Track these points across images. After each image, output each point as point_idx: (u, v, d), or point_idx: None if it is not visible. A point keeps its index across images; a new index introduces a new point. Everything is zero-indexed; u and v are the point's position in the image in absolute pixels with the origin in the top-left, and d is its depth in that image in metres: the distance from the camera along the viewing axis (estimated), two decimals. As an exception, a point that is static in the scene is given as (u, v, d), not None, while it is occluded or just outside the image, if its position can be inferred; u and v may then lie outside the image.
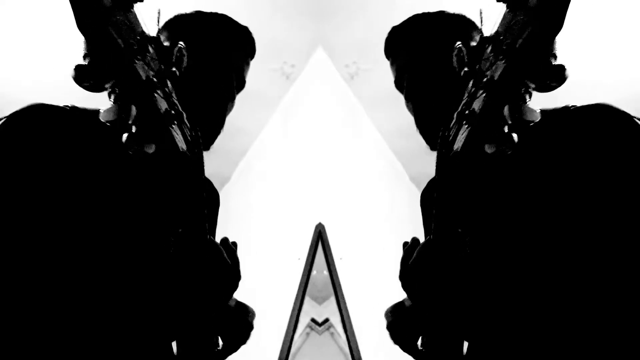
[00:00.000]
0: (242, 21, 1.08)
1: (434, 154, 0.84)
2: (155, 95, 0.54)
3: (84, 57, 0.48)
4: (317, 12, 2.78)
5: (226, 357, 0.91)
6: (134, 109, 0.50)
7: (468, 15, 1.03)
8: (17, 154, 0.76)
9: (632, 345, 0.73)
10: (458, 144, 0.68)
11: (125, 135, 0.54)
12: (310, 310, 2.75)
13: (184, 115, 0.64)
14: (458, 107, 0.67)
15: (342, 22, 2.84)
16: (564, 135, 0.80)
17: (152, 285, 0.78)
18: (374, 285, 2.66)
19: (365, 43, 2.83)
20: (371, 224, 3.03)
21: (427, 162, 0.98)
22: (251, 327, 0.93)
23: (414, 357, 0.91)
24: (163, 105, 0.57)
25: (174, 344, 0.86)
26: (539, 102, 0.57)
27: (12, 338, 0.73)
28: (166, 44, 0.58)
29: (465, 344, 0.87)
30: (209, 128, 0.97)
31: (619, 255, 0.75)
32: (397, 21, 1.08)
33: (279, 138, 3.33)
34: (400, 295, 0.91)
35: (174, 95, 0.60)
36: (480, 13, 0.57)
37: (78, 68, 0.48)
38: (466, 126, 0.64)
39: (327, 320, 2.75)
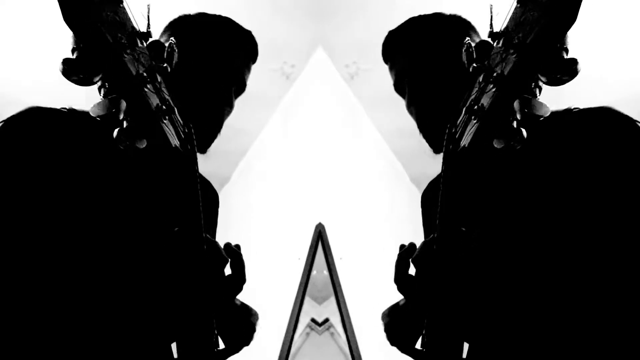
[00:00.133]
0: (242, 21, 1.07)
1: (434, 154, 0.84)
2: (146, 90, 0.54)
3: (72, 51, 0.47)
4: (317, 12, 2.77)
5: (227, 358, 0.91)
6: (124, 104, 0.50)
7: (467, 15, 1.03)
8: (15, 156, 0.76)
9: (633, 346, 0.73)
10: (466, 140, 0.67)
11: (116, 130, 0.53)
12: (310, 310, 2.75)
13: (176, 110, 0.64)
14: (464, 103, 0.67)
15: (342, 22, 2.83)
16: (566, 137, 0.80)
17: (150, 285, 0.77)
18: (374, 285, 2.66)
19: (365, 43, 2.83)
20: (371, 224, 3.03)
21: (427, 163, 0.97)
22: (254, 329, 0.92)
23: (413, 358, 0.90)
24: (154, 100, 0.57)
25: (173, 345, 0.86)
26: (542, 101, 0.57)
27: (12, 338, 0.72)
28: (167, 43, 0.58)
29: (466, 345, 0.86)
30: (206, 131, 0.97)
31: (620, 257, 0.74)
32: (397, 21, 1.07)
33: (279, 138, 3.33)
34: (399, 295, 0.90)
35: (165, 90, 0.60)
36: (491, 8, 0.57)
37: (66, 62, 0.47)
38: (475, 121, 0.63)
39: (327, 320, 2.75)
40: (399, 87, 1.04)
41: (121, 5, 0.47)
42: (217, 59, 0.99)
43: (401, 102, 1.06)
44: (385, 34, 1.08)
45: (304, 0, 2.73)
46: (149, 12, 0.53)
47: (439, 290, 0.78)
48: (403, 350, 0.90)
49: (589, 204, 0.76)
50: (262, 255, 2.80)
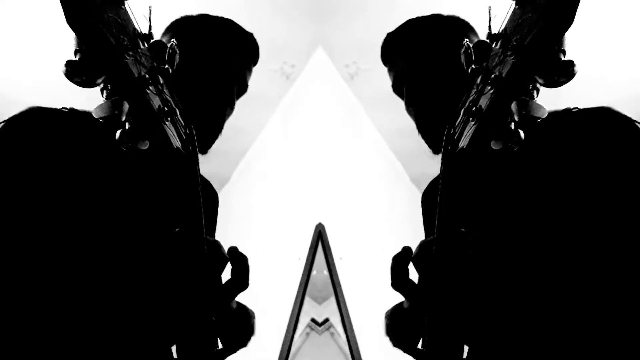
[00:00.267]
0: (242, 21, 1.08)
1: (434, 154, 0.84)
2: (148, 91, 0.54)
3: (75, 53, 0.48)
4: (317, 12, 2.78)
5: (225, 358, 0.91)
6: (126, 105, 0.50)
7: (467, 16, 1.03)
8: (16, 157, 0.76)
9: (633, 346, 0.73)
10: (464, 141, 0.68)
11: (118, 132, 0.53)
12: (310, 310, 2.75)
13: (178, 112, 0.64)
14: (463, 105, 0.67)
15: (342, 22, 2.83)
16: (565, 138, 0.80)
17: (150, 285, 0.77)
18: (374, 285, 2.66)
19: (365, 43, 2.83)
20: (371, 224, 3.03)
21: (427, 163, 0.97)
22: (252, 331, 0.92)
23: (415, 358, 0.90)
24: (156, 101, 0.57)
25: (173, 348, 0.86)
26: (541, 101, 0.57)
27: (12, 338, 0.72)
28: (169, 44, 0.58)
29: (466, 347, 0.87)
30: (206, 131, 0.97)
31: (620, 258, 0.74)
32: (397, 21, 1.08)
33: (279, 138, 3.33)
34: (399, 295, 0.91)
35: (166, 91, 0.60)
36: (489, 10, 0.57)
37: (69, 64, 0.48)
38: (473, 123, 0.63)
39: (327, 320, 2.75)
40: (398, 89, 1.05)
41: (123, 6, 0.48)
42: (218, 60, 0.99)
43: (401, 102, 1.06)
44: (385, 34, 1.09)
45: (304, 0, 2.73)
46: (150, 14, 0.53)
47: (438, 291, 0.78)
48: (406, 350, 0.90)
49: (588, 204, 0.76)
50: (262, 255, 2.80)
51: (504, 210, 0.83)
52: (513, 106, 0.53)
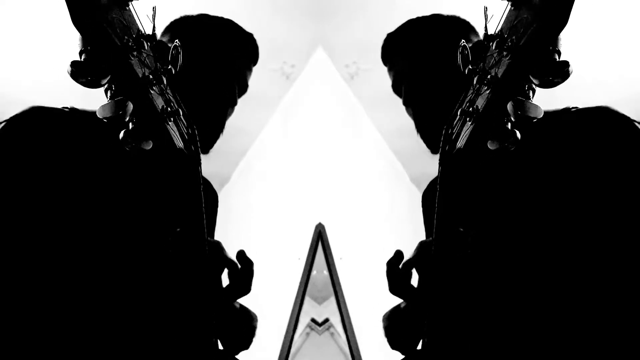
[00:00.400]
0: (242, 21, 1.08)
1: (435, 154, 0.84)
2: (152, 92, 0.54)
3: (80, 54, 0.48)
4: (317, 12, 2.78)
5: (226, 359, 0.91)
6: (130, 105, 0.51)
7: (466, 15, 1.03)
8: (17, 156, 0.76)
9: (633, 346, 0.73)
10: (461, 142, 0.68)
11: (122, 132, 0.54)
12: (310, 310, 2.75)
13: (181, 112, 0.64)
14: (460, 105, 0.68)
15: (342, 22, 2.83)
16: (564, 137, 0.80)
17: (151, 285, 0.78)
18: (374, 285, 2.65)
19: (365, 43, 2.83)
20: (371, 224, 3.03)
21: (427, 163, 0.98)
22: (253, 333, 0.93)
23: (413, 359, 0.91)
24: (159, 102, 0.57)
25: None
26: (540, 101, 0.57)
27: (12, 338, 0.73)
28: (169, 45, 0.58)
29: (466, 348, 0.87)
30: (208, 132, 0.97)
31: (619, 257, 0.75)
32: (397, 21, 1.08)
33: (279, 138, 3.33)
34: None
35: (169, 92, 0.60)
36: (485, 10, 0.57)
37: (74, 64, 0.48)
38: (470, 123, 0.64)
39: (327, 320, 2.75)
40: (397, 89, 1.05)
41: (127, 7, 0.48)
42: (219, 61, 1.00)
43: (401, 102, 1.07)
44: (385, 34, 1.09)
45: (304, 0, 2.73)
46: (154, 15, 0.54)
47: (437, 291, 0.78)
48: (404, 352, 0.90)
49: (587, 204, 0.76)
50: (262, 255, 2.80)
51: (503, 210, 0.83)
52: (509, 106, 0.54)
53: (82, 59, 0.48)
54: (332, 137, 3.04)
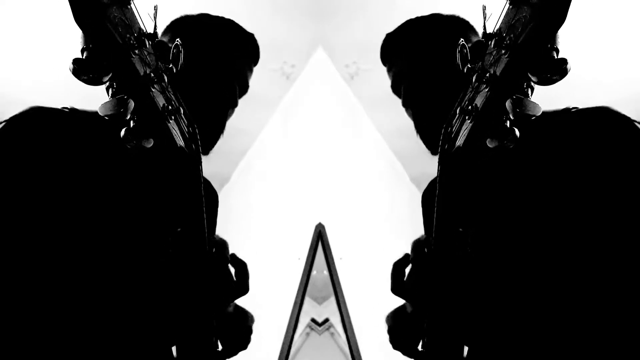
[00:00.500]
0: (243, 21, 1.08)
1: (434, 155, 0.84)
2: (153, 90, 0.55)
3: (82, 51, 0.48)
4: (317, 12, 2.78)
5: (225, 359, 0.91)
6: (131, 103, 0.51)
7: (466, 15, 1.03)
8: (17, 156, 0.76)
9: (633, 346, 0.73)
10: (460, 140, 0.68)
11: (123, 130, 0.54)
12: (310, 310, 2.75)
13: (182, 111, 0.65)
14: (459, 104, 0.68)
15: (342, 22, 2.84)
16: (564, 137, 0.80)
17: (151, 286, 0.78)
18: (374, 285, 2.66)
19: (365, 43, 2.83)
20: (371, 224, 3.04)
21: (427, 163, 0.98)
22: (250, 332, 0.93)
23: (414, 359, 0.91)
24: (160, 100, 0.57)
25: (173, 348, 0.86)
26: (540, 101, 0.57)
27: (12, 339, 0.73)
28: (170, 45, 0.58)
29: (466, 348, 0.87)
30: (209, 132, 0.97)
31: (619, 257, 0.75)
32: (397, 21, 1.08)
33: (279, 138, 3.33)
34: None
35: (170, 90, 0.60)
36: (484, 9, 0.58)
37: (76, 61, 0.48)
38: (469, 121, 0.64)
39: (327, 320, 2.75)
40: (397, 89, 1.05)
41: (129, 6, 0.48)
42: (219, 61, 1.00)
43: (401, 103, 1.07)
44: (385, 34, 1.09)
45: (304, 0, 2.73)
46: (156, 13, 0.54)
47: (437, 291, 0.78)
48: (406, 353, 0.90)
49: (586, 204, 0.76)
50: (262, 255, 2.80)
51: (502, 209, 0.83)
52: (508, 104, 0.54)
53: (83, 57, 0.48)
54: (332, 137, 3.04)
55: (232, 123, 1.07)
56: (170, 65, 0.57)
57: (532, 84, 0.53)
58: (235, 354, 0.91)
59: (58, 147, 0.78)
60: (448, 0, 1.26)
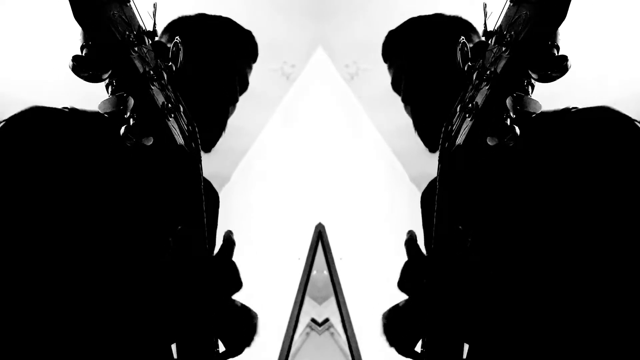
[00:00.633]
0: (242, 21, 1.08)
1: (434, 154, 0.84)
2: (152, 88, 0.55)
3: (82, 49, 0.48)
4: (317, 12, 2.78)
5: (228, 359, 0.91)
6: (131, 101, 0.51)
7: (466, 14, 1.04)
8: (16, 156, 0.76)
9: (633, 346, 0.73)
10: (461, 138, 0.68)
11: (122, 128, 0.54)
12: (310, 310, 2.75)
13: (181, 108, 0.65)
14: (459, 102, 0.68)
15: (342, 22, 2.84)
16: (564, 137, 0.80)
17: (151, 284, 0.78)
18: (374, 285, 2.66)
19: (365, 43, 2.83)
20: (371, 224, 3.03)
21: (427, 163, 0.98)
22: (255, 331, 0.92)
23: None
24: (160, 98, 0.57)
25: (173, 347, 0.86)
26: (540, 101, 0.57)
27: (12, 338, 0.73)
28: (169, 45, 0.59)
29: (466, 346, 0.87)
30: (211, 130, 0.98)
31: (619, 256, 0.75)
32: (397, 21, 1.08)
33: (279, 138, 3.33)
34: (399, 295, 0.91)
35: (170, 88, 0.60)
36: (485, 7, 0.58)
37: (76, 58, 0.48)
38: (469, 119, 0.64)
39: (327, 320, 2.75)
40: (396, 86, 1.05)
41: (128, 4, 0.48)
42: (218, 59, 1.00)
43: (401, 103, 1.07)
44: (385, 34, 1.09)
45: (304, 0, 2.73)
46: (155, 11, 0.54)
47: (437, 290, 0.78)
48: (402, 352, 0.90)
49: (586, 203, 0.76)
50: (262, 255, 2.80)
51: (502, 207, 0.83)
52: (508, 102, 0.54)
53: (83, 54, 0.48)
54: (332, 137, 3.04)
55: (233, 123, 1.07)
56: (170, 63, 0.57)
57: (533, 81, 0.53)
58: (240, 352, 0.91)
59: (58, 147, 0.78)
60: (448, 1, 1.26)
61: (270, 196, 3.15)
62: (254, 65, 1.11)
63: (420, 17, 1.05)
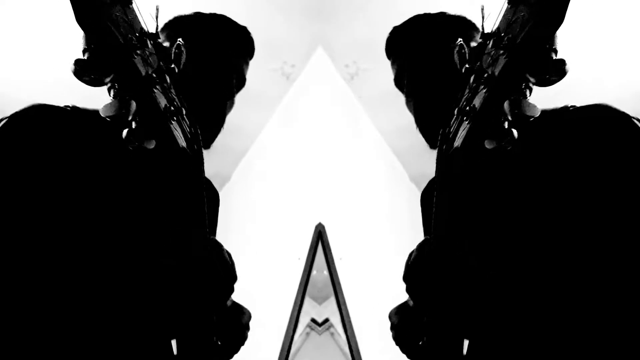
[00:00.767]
0: (242, 21, 1.08)
1: (434, 153, 0.85)
2: (155, 91, 0.55)
3: (84, 52, 0.48)
4: (317, 12, 2.78)
5: (227, 358, 0.91)
6: (133, 104, 0.51)
7: (467, 15, 1.04)
8: (18, 154, 0.76)
9: (632, 346, 0.73)
10: (458, 141, 0.68)
11: (125, 131, 0.54)
12: (310, 310, 2.75)
13: (184, 111, 0.65)
14: (458, 104, 0.68)
15: (342, 22, 2.84)
16: (563, 135, 0.80)
17: (152, 283, 0.78)
18: (374, 285, 2.67)
19: (365, 43, 2.84)
20: (371, 224, 3.04)
21: (427, 162, 0.98)
22: (246, 328, 0.93)
23: (415, 359, 0.91)
24: (162, 101, 0.57)
25: (173, 343, 0.86)
26: (539, 101, 0.57)
27: (12, 338, 0.73)
28: (165, 44, 0.58)
29: (466, 344, 0.87)
30: (209, 127, 0.98)
31: (619, 255, 0.75)
32: (398, 21, 1.08)
33: (279, 138, 3.33)
34: (399, 295, 0.91)
35: (173, 91, 0.60)
36: (482, 9, 0.58)
37: (78, 62, 0.48)
38: (467, 122, 0.64)
39: (327, 320, 2.75)
40: (399, 82, 1.05)
41: (130, 6, 0.48)
42: (214, 56, 1.00)
43: (401, 102, 1.07)
44: (386, 33, 1.09)
45: (304, 0, 2.73)
46: (157, 13, 0.54)
47: (436, 290, 0.78)
48: (406, 350, 0.90)
49: (586, 201, 0.76)
50: (262, 255, 2.81)
51: (501, 209, 0.83)
52: (506, 105, 0.54)
53: (85, 57, 0.48)
54: (332, 137, 3.04)
55: (232, 122, 1.07)
56: (172, 66, 0.57)
57: (531, 84, 0.53)
58: (236, 350, 0.91)
59: (59, 145, 0.78)
60: (448, 1, 1.26)
61: (270, 196, 3.15)
62: (254, 65, 1.11)
63: (424, 14, 1.05)
